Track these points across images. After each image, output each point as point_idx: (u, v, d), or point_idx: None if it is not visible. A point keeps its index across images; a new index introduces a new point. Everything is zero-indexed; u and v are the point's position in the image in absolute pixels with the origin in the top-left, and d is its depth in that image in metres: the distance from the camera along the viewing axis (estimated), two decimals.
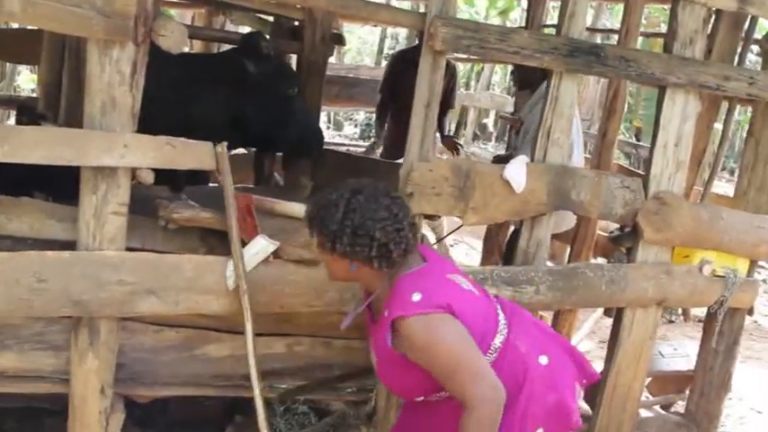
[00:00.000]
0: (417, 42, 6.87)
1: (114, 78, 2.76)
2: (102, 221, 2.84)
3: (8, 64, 12.63)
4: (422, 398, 2.73)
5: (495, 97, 15.84)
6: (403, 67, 6.65)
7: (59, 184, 3.02)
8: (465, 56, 6.47)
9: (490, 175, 3.52)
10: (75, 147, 2.71)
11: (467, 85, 20.73)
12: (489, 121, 19.76)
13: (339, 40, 5.34)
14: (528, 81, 4.93)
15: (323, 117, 22.03)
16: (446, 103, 6.30)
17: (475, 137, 19.44)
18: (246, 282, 3.02)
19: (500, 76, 21.37)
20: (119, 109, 2.78)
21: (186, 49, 8.99)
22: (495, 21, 18.40)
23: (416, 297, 2.53)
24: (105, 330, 2.94)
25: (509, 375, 2.61)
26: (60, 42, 4.86)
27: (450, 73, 6.44)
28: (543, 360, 2.73)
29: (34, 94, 13.75)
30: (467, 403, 2.46)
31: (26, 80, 14.31)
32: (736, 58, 4.75)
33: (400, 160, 3.50)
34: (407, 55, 6.89)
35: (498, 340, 2.67)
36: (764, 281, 9.39)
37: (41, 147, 2.68)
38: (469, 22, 3.45)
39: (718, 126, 6.01)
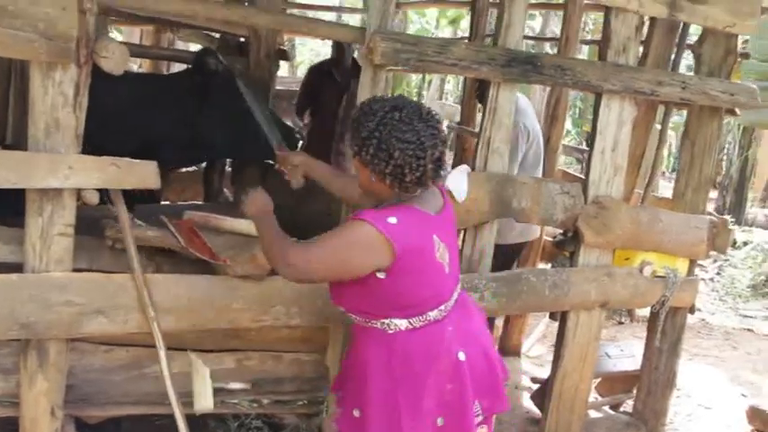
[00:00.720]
0: (333, 54, 7.01)
1: (58, 100, 2.79)
2: (49, 243, 2.86)
3: None
4: (344, 311, 2.85)
5: (445, 107, 15.94)
6: (318, 77, 6.97)
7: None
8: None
9: None
10: (20, 169, 2.73)
11: (419, 95, 20.87)
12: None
13: (284, 55, 5.39)
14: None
15: None
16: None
17: None
18: (195, 298, 3.06)
19: (452, 84, 21.52)
20: (63, 130, 2.81)
21: (135, 68, 8.99)
22: (446, 30, 18.58)
23: (391, 219, 2.62)
24: (54, 352, 2.95)
25: (424, 349, 2.73)
26: (6, 64, 4.86)
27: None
28: (461, 356, 2.80)
29: None
30: (300, 246, 2.71)
31: None
32: (671, 64, 4.87)
33: None
34: (323, 67, 7.18)
35: (433, 315, 2.75)
36: (711, 279, 9.60)
37: None
38: (408, 36, 3.52)
39: (659, 128, 6.15)
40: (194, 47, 8.52)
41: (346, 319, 2.88)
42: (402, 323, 2.72)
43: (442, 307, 2.78)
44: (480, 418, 2.85)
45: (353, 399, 2.87)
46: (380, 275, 2.64)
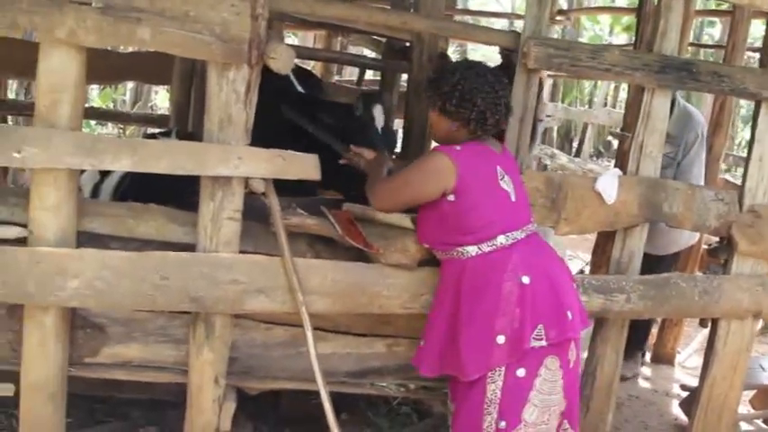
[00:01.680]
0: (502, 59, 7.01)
1: (231, 97, 3.06)
2: (219, 226, 3.14)
3: (144, 84, 13.41)
4: (430, 248, 3.30)
5: (612, 114, 15.74)
6: None
7: None
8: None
9: (582, 187, 3.68)
10: (195, 158, 3.03)
11: (590, 103, 20.65)
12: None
13: (444, 58, 5.54)
14: None
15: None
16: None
17: (599, 154, 19.31)
18: (348, 283, 3.28)
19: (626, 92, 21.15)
20: (234, 124, 3.08)
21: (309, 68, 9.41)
22: (621, 36, 18.28)
23: (457, 147, 3.15)
24: (220, 325, 3.23)
25: (491, 270, 3.07)
26: (190, 64, 5.28)
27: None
28: (525, 279, 3.04)
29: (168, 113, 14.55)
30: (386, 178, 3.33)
31: (163, 99, 15.11)
32: None
33: None
34: None
35: (501, 240, 3.10)
36: None
37: (166, 158, 3.00)
38: (561, 41, 3.63)
39: None
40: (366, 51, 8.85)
41: None
42: (473, 249, 3.11)
43: (510, 234, 3.10)
44: (544, 343, 3.01)
45: (424, 331, 3.27)
46: (450, 198, 3.10)
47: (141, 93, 14.69)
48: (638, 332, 5.41)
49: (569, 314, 3.08)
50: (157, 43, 2.94)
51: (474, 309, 3.02)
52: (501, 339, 2.97)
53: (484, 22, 11.61)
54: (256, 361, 3.47)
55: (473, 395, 3.04)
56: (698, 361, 6.28)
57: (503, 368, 2.99)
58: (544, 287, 3.06)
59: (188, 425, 3.35)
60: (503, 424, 3.01)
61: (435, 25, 3.69)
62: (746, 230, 3.94)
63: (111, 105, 14.26)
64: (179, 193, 3.26)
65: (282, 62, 3.02)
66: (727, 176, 8.59)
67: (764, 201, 3.97)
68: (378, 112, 4.28)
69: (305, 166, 3.17)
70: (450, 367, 3.11)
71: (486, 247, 3.08)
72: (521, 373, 3.00)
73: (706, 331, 6.53)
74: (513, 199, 3.16)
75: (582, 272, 4.22)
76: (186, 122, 5.42)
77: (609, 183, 3.68)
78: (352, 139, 3.83)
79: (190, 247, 3.19)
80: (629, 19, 15.56)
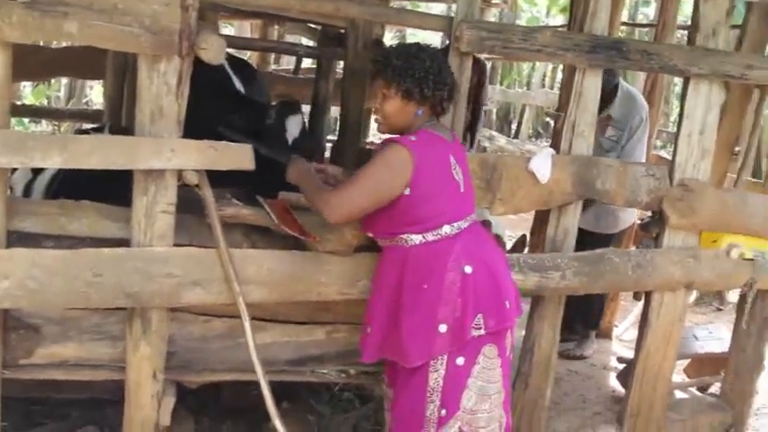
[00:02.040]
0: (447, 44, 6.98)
1: (162, 89, 3.00)
2: (153, 220, 3.09)
3: (79, 80, 13.16)
4: (373, 236, 3.25)
5: (549, 95, 15.90)
6: None
7: None
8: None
9: (516, 168, 3.71)
10: (127, 153, 2.96)
11: (527, 85, 20.81)
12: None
13: (380, 45, 5.53)
14: None
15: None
16: (476, 101, 6.43)
17: (537, 135, 19.50)
18: (285, 272, 3.27)
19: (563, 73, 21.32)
20: (166, 117, 3.02)
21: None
22: (558, 18, 18.41)
23: (412, 138, 3.06)
24: (156, 320, 3.18)
25: (433, 259, 3.05)
26: (123, 58, 5.18)
27: (480, 70, 6.51)
28: (467, 269, 3.05)
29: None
30: (338, 188, 3.11)
31: (98, 94, 14.80)
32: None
33: None
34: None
35: (446, 230, 3.08)
36: None
37: (97, 153, 2.93)
38: (493, 24, 3.66)
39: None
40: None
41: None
42: (417, 238, 3.07)
43: (455, 224, 3.08)
44: (482, 332, 3.04)
45: (367, 317, 3.24)
46: (406, 192, 3.03)
47: (75, 88, 14.36)
48: (591, 312, 5.51)
49: (507, 303, 3.11)
50: (85, 37, 2.86)
51: (417, 297, 3.02)
52: (443, 328, 2.98)
53: (423, 7, 11.53)
54: (195, 354, 3.44)
55: (415, 383, 3.05)
56: (635, 334, 6.43)
57: (445, 357, 3.00)
58: (484, 276, 3.08)
59: (127, 422, 3.30)
60: (443, 412, 3.03)
61: (368, 11, 3.68)
62: (677, 204, 4.01)
63: (45, 102, 13.93)
64: (113, 189, 3.21)
65: (213, 52, 2.97)
66: (663, 153, 8.71)
67: (694, 175, 4.05)
68: (292, 124, 4.24)
69: (238, 157, 3.13)
70: (392, 353, 3.11)
71: (430, 237, 3.06)
72: (460, 361, 3.01)
73: (641, 304, 6.70)
74: (462, 189, 3.14)
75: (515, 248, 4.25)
76: (120, 117, 5.33)
77: (542, 162, 3.71)
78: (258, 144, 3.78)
79: (124, 243, 3.14)
80: (565, 0, 15.69)
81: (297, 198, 3.45)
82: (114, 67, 5.46)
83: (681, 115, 4.06)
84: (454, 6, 3.57)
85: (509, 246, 4.12)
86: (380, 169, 3.01)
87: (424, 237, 3.06)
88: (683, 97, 4.07)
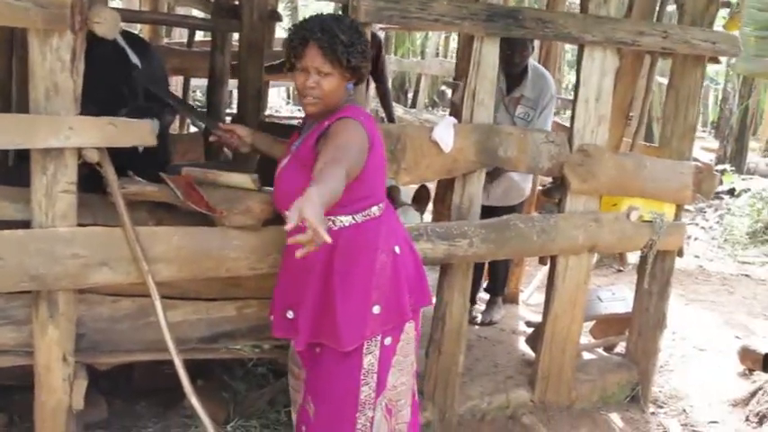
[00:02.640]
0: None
1: (56, 65, 2.93)
2: (54, 200, 3.02)
3: None
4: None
5: (444, 63, 16.04)
6: None
7: None
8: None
9: (419, 138, 3.74)
10: (24, 131, 2.89)
11: (422, 54, 20.93)
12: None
13: (276, 16, 5.50)
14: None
15: (282, 93, 21.99)
16: (378, 77, 6.42)
17: (434, 104, 19.64)
18: (193, 248, 3.24)
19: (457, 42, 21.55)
20: (62, 94, 2.95)
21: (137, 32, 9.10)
22: None
23: (363, 117, 2.94)
24: (63, 302, 3.13)
25: (365, 241, 2.96)
26: (9, 34, 5.00)
27: (377, 44, 6.47)
28: (397, 249, 3.04)
29: None
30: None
31: None
32: (656, 15, 4.98)
33: None
34: None
35: (374, 211, 3.00)
36: (711, 227, 9.73)
37: None
38: None
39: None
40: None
41: None
42: (347, 219, 2.94)
43: (381, 204, 3.04)
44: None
45: (285, 300, 3.09)
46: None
47: None
48: (497, 279, 5.64)
49: (426, 283, 3.14)
50: None
51: (349, 280, 2.93)
52: (377, 309, 2.94)
53: None
54: (104, 335, 3.38)
55: (347, 366, 2.97)
56: (540, 298, 6.56)
57: (378, 338, 2.98)
58: (408, 254, 3.09)
59: (38, 407, 3.23)
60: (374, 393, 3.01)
61: None
62: (577, 169, 4.11)
63: None
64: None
65: (107, 26, 2.92)
66: (557, 119, 8.90)
67: (592, 140, 4.15)
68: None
69: (139, 133, 3.09)
70: (325, 337, 2.98)
71: (359, 218, 2.96)
72: (388, 341, 3.01)
73: (546, 269, 6.86)
74: (385, 168, 3.11)
75: None
76: (9, 98, 5.15)
77: (445, 132, 3.75)
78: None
79: (24, 225, 3.07)
80: None
81: (201, 173, 3.42)
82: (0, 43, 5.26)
83: (577, 82, 4.15)
84: None
85: (410, 199, 4.13)
86: (354, 152, 2.78)
87: (353, 218, 2.95)
88: (578, 64, 4.16)
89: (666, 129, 4.61)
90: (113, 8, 3.26)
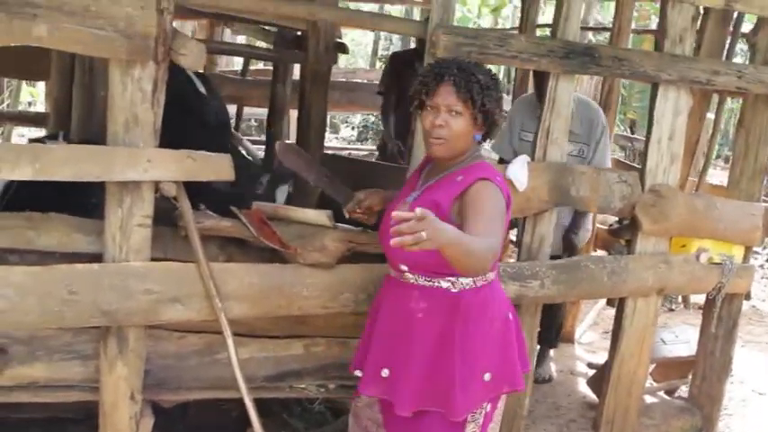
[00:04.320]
0: (416, 45, 6.83)
1: (137, 96, 2.89)
2: (128, 234, 2.97)
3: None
4: (410, 273, 2.84)
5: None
6: (402, 66, 6.50)
7: None
8: None
9: None
10: (102, 163, 2.84)
11: None
12: None
13: (342, 48, 5.45)
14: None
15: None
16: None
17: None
18: (266, 286, 3.17)
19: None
20: (141, 125, 2.91)
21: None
22: (488, 18, 18.52)
23: (499, 179, 2.81)
24: (133, 338, 3.07)
25: (484, 308, 2.84)
26: (70, 58, 4.99)
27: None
28: (510, 315, 2.96)
29: (31, 108, 13.81)
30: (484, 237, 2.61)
31: (23, 94, 14.32)
32: (725, 53, 4.89)
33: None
34: (405, 57, 6.76)
35: (492, 275, 2.88)
36: (761, 266, 9.54)
37: (70, 164, 2.81)
38: (469, 30, 3.61)
39: (711, 116, 6.17)
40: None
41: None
42: (467, 282, 2.80)
43: (497, 268, 2.93)
44: None
45: (380, 358, 2.91)
46: None
47: (12, 89, 13.85)
48: (552, 327, 5.32)
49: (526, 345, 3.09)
50: (56, 41, 2.74)
51: (468, 346, 2.79)
52: (487, 377, 2.83)
53: (368, 8, 11.38)
54: (170, 372, 3.32)
55: None
56: (593, 336, 6.47)
57: (483, 404, 2.87)
58: (516, 321, 3.01)
59: None
60: None
61: (343, 15, 3.60)
62: (649, 210, 4.01)
63: None
64: (73, 199, 3.08)
65: (193, 58, 2.88)
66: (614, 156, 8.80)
67: (664, 180, 4.05)
68: (281, 194, 4.14)
69: (217, 167, 3.04)
70: (434, 403, 2.82)
71: (479, 282, 2.82)
72: (488, 408, 2.91)
73: (598, 307, 6.75)
74: None
75: None
76: (68, 122, 5.13)
77: (519, 170, 3.67)
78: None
79: (96, 258, 3.01)
80: (496, 0, 15.80)
81: (272, 208, 3.36)
82: (60, 67, 5.24)
83: (650, 121, 4.06)
84: (416, 10, 3.51)
85: None
86: (499, 216, 2.69)
87: (474, 282, 2.79)
88: (651, 103, 4.07)
89: (735, 169, 4.51)
90: (199, 40, 3.22)
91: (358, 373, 3.03)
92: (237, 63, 8.88)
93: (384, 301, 2.99)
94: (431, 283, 2.82)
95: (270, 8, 3.38)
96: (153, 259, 3.09)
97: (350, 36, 21.50)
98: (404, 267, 2.85)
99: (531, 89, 5.44)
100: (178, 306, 3.07)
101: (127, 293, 2.98)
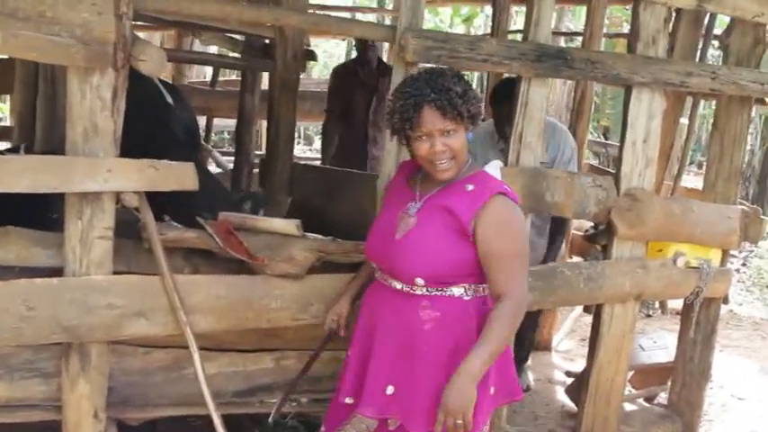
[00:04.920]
0: (357, 55, 6.71)
1: (96, 105, 2.79)
2: (89, 246, 2.87)
3: None
4: (423, 285, 2.70)
5: None
6: (346, 77, 6.57)
7: None
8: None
9: None
10: (60, 174, 2.74)
11: None
12: None
13: (311, 56, 5.37)
14: None
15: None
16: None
17: None
18: (233, 298, 3.07)
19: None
20: (101, 134, 2.81)
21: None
22: (460, 28, 18.52)
23: (510, 189, 2.77)
24: (96, 355, 2.96)
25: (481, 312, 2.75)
26: (33, 70, 4.88)
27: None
28: None
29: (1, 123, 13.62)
30: (508, 294, 2.63)
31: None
32: (698, 54, 4.85)
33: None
34: (349, 68, 6.77)
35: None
36: (738, 270, 9.55)
37: (27, 175, 2.70)
38: (439, 33, 3.52)
39: (684, 121, 6.14)
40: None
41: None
42: (480, 288, 2.75)
43: None
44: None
45: (383, 375, 2.78)
46: None
47: None
48: (523, 346, 5.17)
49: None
50: (11, 48, 2.65)
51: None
52: (492, 390, 2.77)
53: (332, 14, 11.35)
54: (135, 389, 3.23)
55: None
56: (570, 344, 6.41)
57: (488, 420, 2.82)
58: None
59: None
60: None
61: (309, 20, 3.52)
62: (625, 214, 3.94)
63: None
64: (30, 211, 2.98)
65: (153, 64, 2.78)
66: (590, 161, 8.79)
67: (640, 184, 3.99)
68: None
69: (180, 177, 2.95)
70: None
71: (487, 289, 2.75)
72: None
73: (575, 314, 6.70)
74: None
75: None
76: (32, 135, 5.01)
77: (493, 175, 3.59)
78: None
79: (57, 272, 2.91)
80: (468, 10, 15.79)
81: (240, 218, 3.27)
82: (23, 78, 5.12)
83: (624, 125, 4.00)
84: (387, 19, 3.44)
85: None
86: (523, 243, 2.74)
87: (483, 289, 2.75)
88: (625, 106, 4.01)
89: (711, 172, 4.46)
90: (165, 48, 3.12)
91: (349, 400, 2.89)
92: (208, 74, 8.76)
93: (379, 314, 2.84)
94: (442, 292, 2.72)
95: (234, 14, 3.28)
96: (116, 273, 2.99)
97: (322, 47, 21.44)
98: (420, 281, 2.71)
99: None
100: (142, 321, 2.98)
101: (88, 308, 2.88)
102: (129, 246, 3.10)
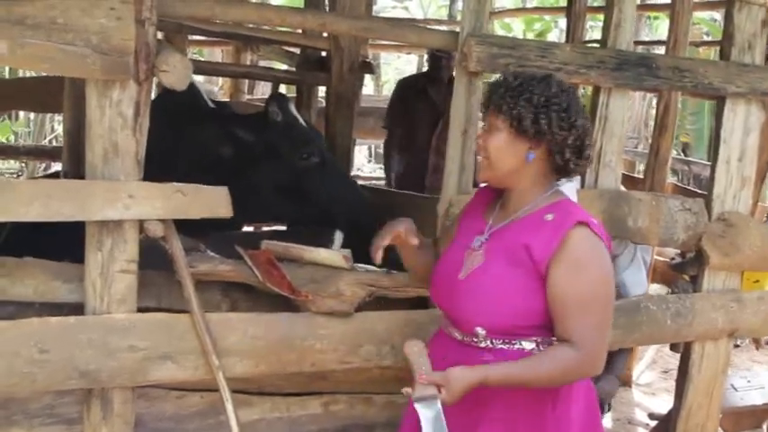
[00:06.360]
0: (427, 69, 6.32)
1: (116, 122, 2.49)
2: (110, 281, 2.56)
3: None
4: (485, 336, 2.32)
5: None
6: (411, 94, 6.09)
7: None
8: None
9: None
10: (75, 200, 2.44)
11: None
12: None
13: (368, 68, 5.05)
14: None
15: (364, 150, 21.81)
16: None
17: None
18: (273, 339, 2.75)
19: None
20: (122, 155, 2.51)
21: (216, 89, 8.79)
22: None
23: (596, 220, 2.35)
24: (119, 402, 2.65)
25: None
26: (82, 87, 4.64)
27: None
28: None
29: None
30: (579, 343, 2.21)
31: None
32: None
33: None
34: (417, 83, 6.28)
35: None
36: None
37: (37, 202, 2.40)
38: (506, 39, 3.24)
39: None
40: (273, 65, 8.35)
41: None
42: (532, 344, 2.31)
43: None
44: None
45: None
46: None
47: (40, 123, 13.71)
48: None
49: None
50: (18, 59, 2.36)
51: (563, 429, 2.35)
52: None
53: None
54: None
55: None
56: (651, 377, 5.98)
57: None
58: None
59: None
60: None
61: (360, 26, 3.15)
62: (718, 241, 3.54)
63: (12, 139, 13.29)
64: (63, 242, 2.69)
65: (177, 76, 2.46)
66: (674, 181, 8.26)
67: (734, 207, 3.59)
68: (295, 111, 3.77)
69: (212, 202, 2.62)
70: None
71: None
72: None
73: (656, 345, 6.24)
74: None
75: None
76: (83, 156, 4.78)
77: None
78: (279, 150, 3.47)
79: (78, 309, 2.61)
80: (541, 25, 15.45)
81: (283, 248, 2.94)
82: (73, 97, 4.89)
83: (716, 140, 3.62)
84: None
85: None
86: (608, 286, 2.29)
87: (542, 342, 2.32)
88: (717, 120, 3.62)
89: None
90: (185, 56, 2.82)
91: None
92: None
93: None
94: (509, 346, 2.31)
95: (275, 19, 2.96)
96: (145, 309, 2.69)
97: (393, 65, 21.22)
98: (480, 331, 2.33)
99: None
100: (169, 364, 2.65)
101: (108, 351, 2.56)
102: (161, 278, 2.80)
